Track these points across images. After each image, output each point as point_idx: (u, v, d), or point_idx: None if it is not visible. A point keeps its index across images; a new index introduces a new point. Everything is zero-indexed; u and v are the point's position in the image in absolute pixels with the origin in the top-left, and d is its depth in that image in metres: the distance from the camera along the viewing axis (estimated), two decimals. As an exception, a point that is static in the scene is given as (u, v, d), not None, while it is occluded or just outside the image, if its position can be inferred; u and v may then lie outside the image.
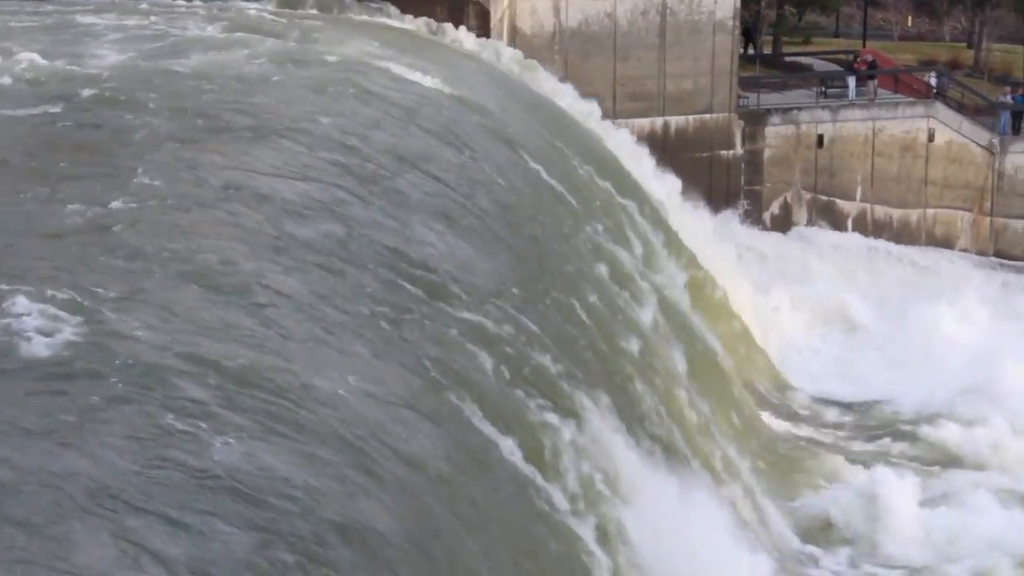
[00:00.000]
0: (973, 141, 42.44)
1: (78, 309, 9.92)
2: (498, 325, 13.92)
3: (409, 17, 30.44)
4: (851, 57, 48.45)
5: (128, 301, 10.34)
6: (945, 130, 42.03)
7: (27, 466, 7.91)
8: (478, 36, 32.10)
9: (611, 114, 36.09)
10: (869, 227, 41.29)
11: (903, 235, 41.50)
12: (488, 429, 11.89)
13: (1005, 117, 43.93)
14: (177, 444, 8.57)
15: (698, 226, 30.98)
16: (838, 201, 41.09)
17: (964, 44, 64.53)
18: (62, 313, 9.79)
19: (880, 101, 42.77)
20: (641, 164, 30.33)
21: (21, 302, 9.77)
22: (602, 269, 20.06)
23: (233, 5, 28.14)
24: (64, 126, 15.22)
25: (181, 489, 8.13)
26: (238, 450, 8.73)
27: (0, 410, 8.49)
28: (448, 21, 31.44)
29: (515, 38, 35.99)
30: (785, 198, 40.63)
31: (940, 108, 42.43)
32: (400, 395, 11.06)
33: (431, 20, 30.78)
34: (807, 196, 40.81)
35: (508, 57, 31.03)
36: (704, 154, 38.62)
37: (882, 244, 40.98)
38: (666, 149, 36.82)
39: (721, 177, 38.97)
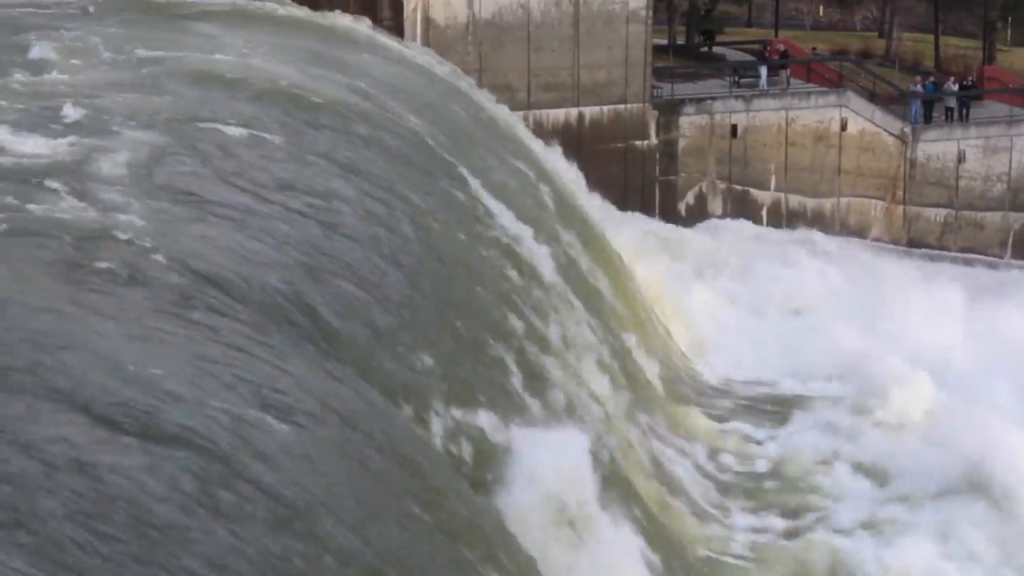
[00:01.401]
0: (885, 130, 42.74)
1: None
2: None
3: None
4: (762, 47, 48.73)
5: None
6: (857, 119, 42.30)
7: None
8: (392, 28, 31.78)
9: (525, 105, 36.01)
10: (784, 217, 41.51)
11: (817, 224, 41.73)
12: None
13: (916, 106, 44.34)
14: None
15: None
16: (752, 191, 41.21)
17: (875, 33, 65.09)
18: None
19: (793, 91, 42.98)
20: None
21: None
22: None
23: None
24: None
25: None
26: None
27: None
28: (362, 13, 31.11)
29: (429, 29, 35.74)
30: (700, 188, 40.69)
31: (852, 97, 42.68)
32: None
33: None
34: (722, 186, 40.90)
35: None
36: (619, 145, 38.56)
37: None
38: (581, 140, 36.78)
39: (636, 168, 38.95)
